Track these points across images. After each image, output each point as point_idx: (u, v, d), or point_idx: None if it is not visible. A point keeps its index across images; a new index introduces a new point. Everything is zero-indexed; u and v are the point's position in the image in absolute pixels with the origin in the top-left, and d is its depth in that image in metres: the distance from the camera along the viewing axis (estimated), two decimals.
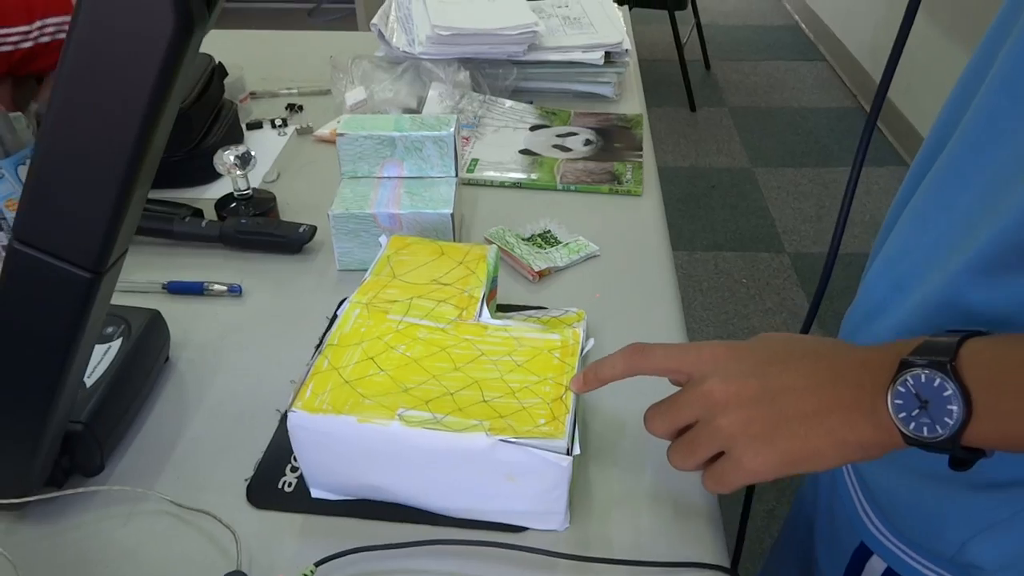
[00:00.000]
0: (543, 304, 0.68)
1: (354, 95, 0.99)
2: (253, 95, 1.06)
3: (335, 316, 0.67)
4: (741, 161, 2.73)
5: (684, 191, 2.55)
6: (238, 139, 0.94)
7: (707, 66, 3.41)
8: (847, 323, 0.55)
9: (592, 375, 0.46)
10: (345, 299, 0.67)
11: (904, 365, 0.36)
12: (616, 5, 1.19)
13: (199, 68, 0.88)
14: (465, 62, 1.03)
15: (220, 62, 0.93)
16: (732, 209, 2.46)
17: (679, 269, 2.18)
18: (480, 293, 0.56)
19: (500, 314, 0.60)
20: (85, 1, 0.30)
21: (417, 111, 0.99)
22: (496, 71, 1.04)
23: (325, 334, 0.65)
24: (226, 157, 0.74)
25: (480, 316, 0.54)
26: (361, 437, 0.45)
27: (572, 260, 0.73)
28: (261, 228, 0.74)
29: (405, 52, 1.03)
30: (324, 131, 0.98)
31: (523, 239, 0.76)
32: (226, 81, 0.95)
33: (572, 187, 0.86)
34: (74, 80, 0.31)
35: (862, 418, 0.38)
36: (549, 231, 0.78)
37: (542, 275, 0.71)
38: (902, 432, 0.36)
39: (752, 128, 2.95)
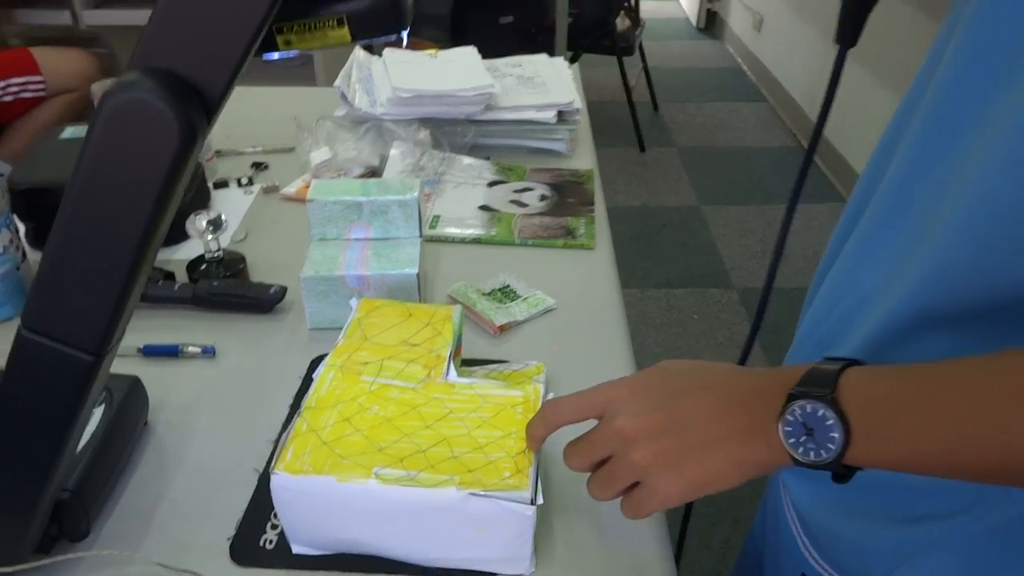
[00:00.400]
0: (505, 357, 0.72)
1: (319, 155, 1.03)
2: (218, 153, 1.09)
3: (308, 375, 0.71)
4: (690, 199, 2.84)
5: (636, 230, 2.64)
6: (205, 199, 0.97)
7: (655, 108, 3.54)
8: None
9: (530, 439, 0.51)
10: (318, 358, 0.71)
11: (791, 397, 0.41)
12: (567, 64, 1.26)
13: None
14: (425, 121, 1.08)
15: None
16: (682, 246, 2.55)
17: (633, 307, 2.25)
18: (447, 353, 0.60)
19: (465, 369, 0.64)
20: (100, 115, 0.34)
21: (380, 169, 1.04)
22: (455, 129, 1.10)
23: (299, 393, 0.68)
24: (199, 222, 0.77)
25: (448, 375, 0.58)
26: (340, 495, 0.49)
27: (531, 314, 0.78)
28: (233, 290, 0.77)
29: (367, 112, 1.08)
30: (290, 189, 1.01)
31: (484, 294, 0.81)
32: None
33: (529, 242, 0.91)
34: (86, 186, 0.35)
35: (756, 441, 0.43)
36: (508, 286, 0.82)
37: (503, 329, 0.76)
38: (792, 456, 0.41)
39: (699, 167, 3.07)
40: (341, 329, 0.63)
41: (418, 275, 0.74)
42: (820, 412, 0.40)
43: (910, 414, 0.38)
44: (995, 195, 0.40)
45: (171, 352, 0.71)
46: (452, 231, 0.92)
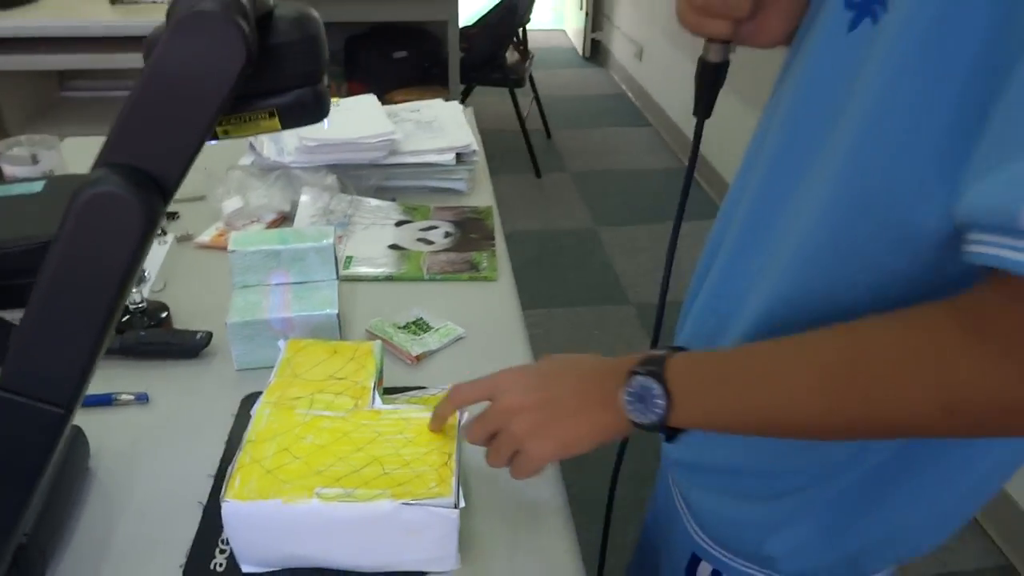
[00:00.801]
0: (422, 384, 0.80)
1: (231, 203, 1.08)
2: None
3: (239, 413, 0.76)
4: (585, 221, 2.99)
5: (537, 253, 2.77)
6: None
7: (548, 135, 3.70)
8: None
9: (439, 415, 0.62)
10: (248, 396, 0.77)
11: (630, 374, 0.52)
12: (461, 108, 1.36)
13: None
14: (332, 167, 1.15)
15: None
16: (580, 267, 2.70)
17: (538, 326, 2.36)
18: (371, 383, 0.68)
19: (388, 397, 0.72)
20: (74, 206, 0.40)
21: (291, 214, 1.10)
22: (361, 173, 1.17)
23: (233, 430, 0.74)
24: None
25: (373, 403, 0.66)
26: (286, 516, 0.56)
27: (443, 343, 0.87)
28: (159, 338, 0.82)
29: (276, 161, 1.14)
30: (204, 238, 1.06)
31: (399, 327, 0.88)
32: None
33: (437, 276, 0.99)
34: (62, 264, 0.41)
35: (607, 409, 0.54)
36: (421, 318, 0.91)
37: (419, 358, 0.84)
38: (631, 419, 0.53)
39: (593, 190, 3.24)
40: (266, 368, 0.70)
41: (338, 315, 0.81)
42: (650, 384, 0.51)
43: (713, 387, 0.51)
44: (814, 236, 0.50)
45: (105, 401, 0.75)
46: (365, 270, 0.99)
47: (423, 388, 0.78)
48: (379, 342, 0.74)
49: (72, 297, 0.42)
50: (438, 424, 0.62)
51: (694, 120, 0.65)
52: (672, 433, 0.54)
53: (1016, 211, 0.33)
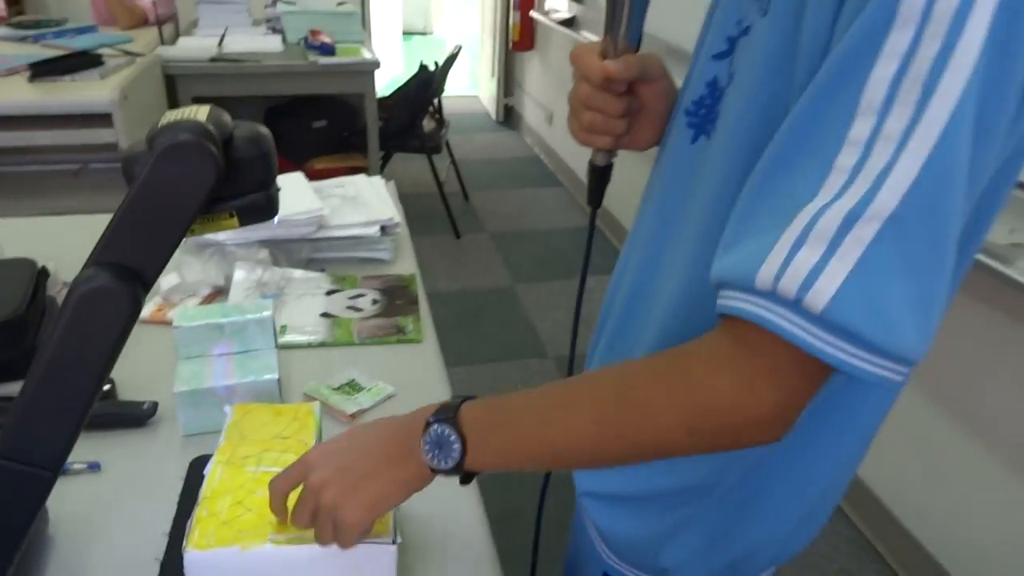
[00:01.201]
0: None
1: (168, 280, 1.15)
2: (66, 285, 1.17)
3: (188, 474, 0.83)
4: (504, 280, 3.13)
5: (458, 311, 2.87)
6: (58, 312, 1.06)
7: (466, 197, 3.86)
8: None
9: (275, 513, 0.63)
10: (196, 459, 0.84)
11: (427, 424, 0.56)
12: (383, 182, 1.47)
13: (26, 274, 1.00)
14: (264, 242, 1.23)
15: (44, 266, 1.05)
16: (501, 324, 2.82)
17: (463, 383, 2.45)
18: (313, 440, 0.76)
19: None
20: (71, 299, 0.49)
21: (226, 288, 1.17)
22: (292, 247, 1.26)
23: (184, 490, 0.81)
24: None
25: None
26: (244, 561, 0.63)
27: (375, 401, 0.95)
28: (108, 409, 0.88)
29: (210, 238, 1.21)
30: (144, 314, 1.12)
31: (334, 389, 0.97)
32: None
33: (367, 341, 1.09)
34: (59, 348, 0.49)
35: (408, 461, 0.57)
36: (353, 380, 0.99)
37: (354, 417, 0.93)
38: (431, 467, 0.57)
39: (510, 249, 3.39)
40: (211, 433, 0.77)
41: (278, 379, 0.89)
42: (446, 432, 0.56)
43: (503, 427, 0.56)
44: (682, 297, 0.63)
45: None
46: (299, 338, 1.08)
47: None
48: (318, 403, 0.82)
49: (66, 375, 0.49)
50: (278, 516, 0.63)
51: (641, 150, 0.76)
52: (469, 476, 0.58)
53: (752, 275, 0.45)
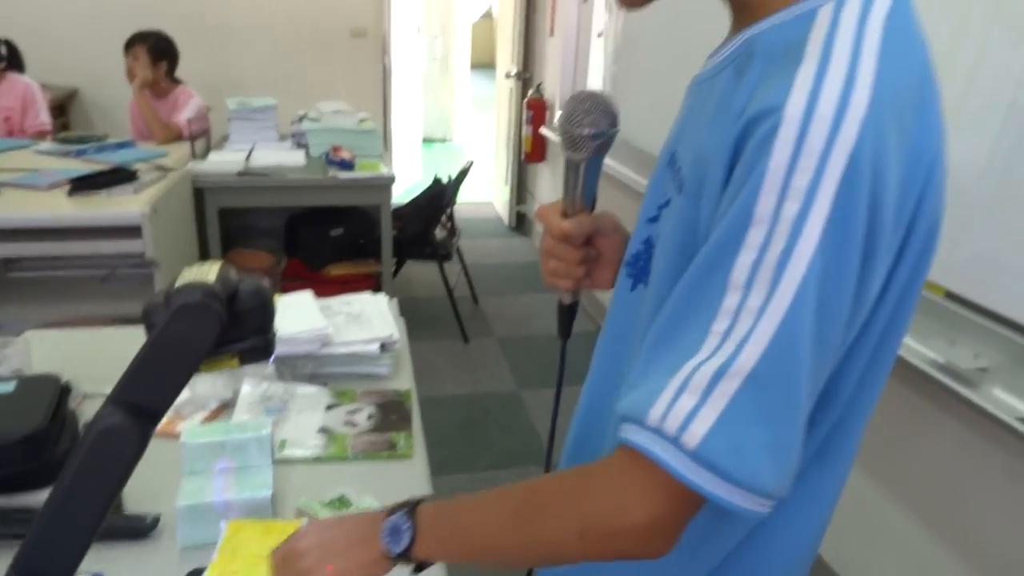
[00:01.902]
0: None
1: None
2: (86, 396, 1.26)
3: None
4: (509, 385, 3.19)
5: (463, 417, 2.92)
6: (75, 443, 1.14)
7: (475, 301, 3.97)
8: None
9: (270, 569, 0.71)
10: (192, 572, 0.90)
11: (388, 513, 0.65)
12: (386, 300, 1.57)
13: (50, 390, 1.09)
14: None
15: (67, 382, 1.14)
16: (504, 429, 2.86)
17: (461, 491, 2.47)
18: None
19: None
20: (90, 434, 0.57)
21: (233, 401, 1.25)
22: (296, 363, 1.35)
23: None
24: None
25: None
26: None
27: None
28: (114, 523, 0.95)
29: None
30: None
31: (324, 504, 1.03)
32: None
33: (360, 455, 1.15)
34: (77, 475, 0.57)
35: (370, 546, 0.64)
36: (344, 495, 1.06)
37: None
38: (386, 551, 0.63)
39: (517, 354, 3.46)
40: (206, 545, 0.84)
41: (272, 495, 0.96)
42: (401, 521, 0.64)
43: (448, 523, 0.64)
44: None
45: None
46: (297, 453, 1.15)
47: None
48: (305, 519, 0.89)
49: (82, 498, 0.57)
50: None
51: (605, 290, 0.85)
52: (421, 566, 0.65)
53: (644, 413, 0.53)
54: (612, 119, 0.75)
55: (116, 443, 0.57)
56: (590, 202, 0.80)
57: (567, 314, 0.86)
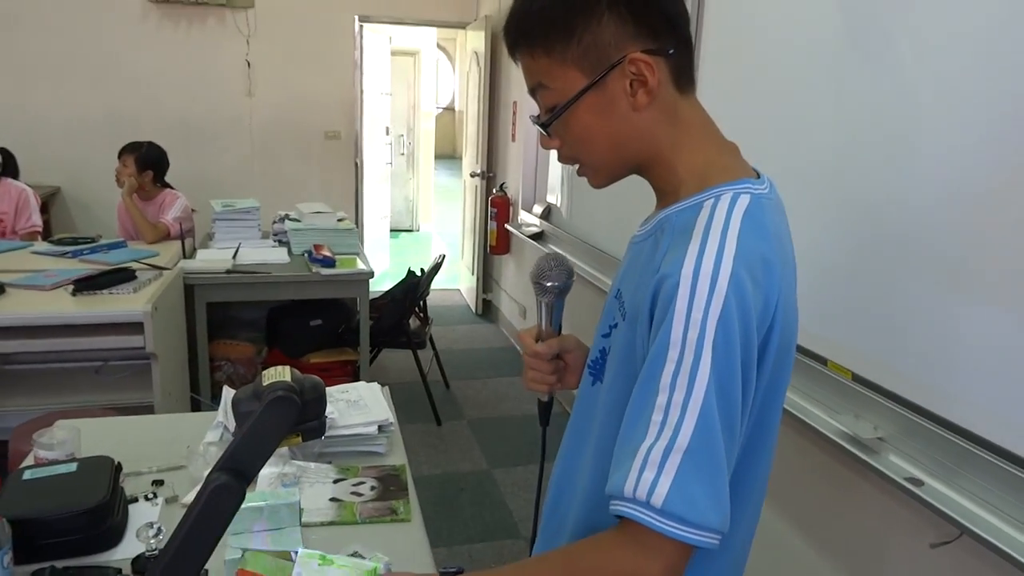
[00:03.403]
0: None
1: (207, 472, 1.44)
2: (125, 475, 1.46)
3: None
4: (481, 464, 3.39)
5: (438, 494, 3.11)
6: (125, 511, 1.34)
7: (447, 386, 4.19)
8: None
9: None
10: None
11: None
12: (379, 388, 1.81)
13: (107, 468, 1.31)
14: None
15: (119, 462, 1.35)
16: (478, 506, 3.05)
17: (440, 563, 2.65)
18: None
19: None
20: (206, 491, 0.80)
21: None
22: (306, 443, 1.57)
23: None
24: (148, 532, 1.16)
25: None
26: None
27: None
28: None
29: None
30: (188, 499, 1.41)
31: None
32: None
33: (367, 520, 1.38)
34: (196, 524, 0.80)
35: None
36: (356, 552, 1.27)
37: None
38: None
39: (487, 435, 3.67)
40: None
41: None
42: None
43: None
44: (589, 493, 0.96)
45: None
46: (314, 518, 1.37)
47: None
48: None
49: (198, 534, 0.80)
50: None
51: (572, 390, 1.11)
52: None
53: (622, 489, 0.77)
54: (569, 273, 1.08)
55: (224, 497, 0.81)
56: (557, 328, 1.09)
57: (545, 408, 1.16)
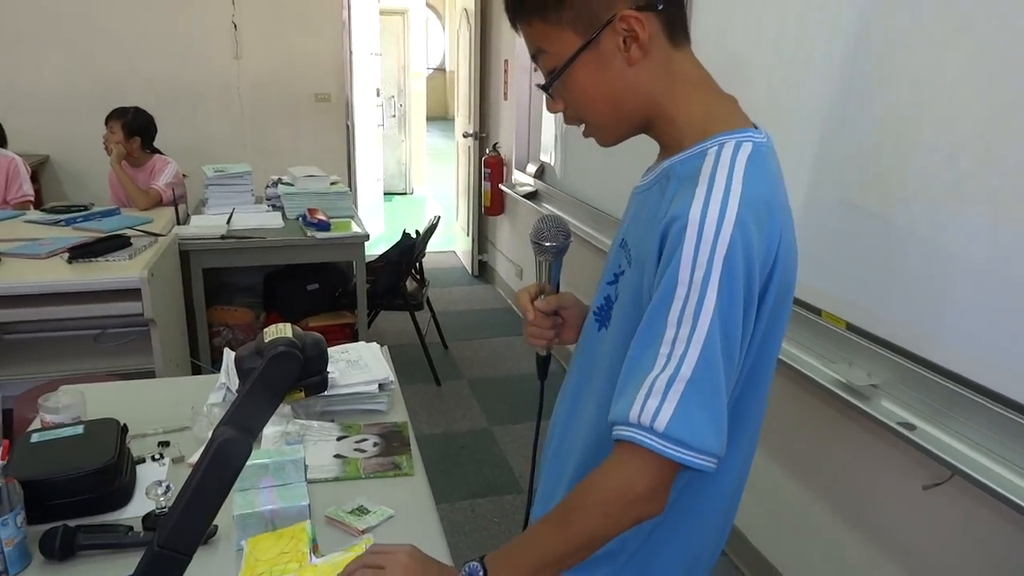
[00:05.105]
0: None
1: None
2: (131, 437, 1.48)
3: None
4: (481, 423, 3.43)
5: (440, 453, 3.16)
6: (133, 472, 1.36)
7: (445, 347, 4.22)
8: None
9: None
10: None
11: (466, 563, 0.87)
12: (378, 348, 1.83)
13: (114, 430, 1.32)
14: None
15: (125, 424, 1.37)
16: (479, 463, 3.10)
17: (444, 518, 2.69)
18: (307, 549, 1.06)
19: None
20: (213, 445, 0.82)
21: (258, 437, 1.49)
22: (308, 402, 1.59)
23: None
24: (157, 490, 1.19)
25: (311, 561, 1.04)
26: None
27: (380, 521, 1.26)
28: None
29: None
30: (193, 459, 1.43)
31: (347, 512, 1.28)
32: None
33: (371, 475, 1.40)
34: (205, 475, 0.82)
35: None
36: (362, 505, 1.30)
37: (363, 532, 1.23)
38: None
39: (486, 394, 3.71)
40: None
41: (308, 505, 1.20)
42: (474, 569, 0.86)
43: (506, 556, 0.87)
44: (592, 433, 0.98)
45: None
46: (319, 474, 1.39)
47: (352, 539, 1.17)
48: (309, 521, 1.13)
49: (207, 488, 0.82)
50: None
51: (570, 344, 1.13)
52: None
53: (627, 415, 0.81)
54: (566, 233, 1.12)
55: (232, 450, 0.83)
56: (555, 286, 1.11)
57: (543, 363, 1.19)
